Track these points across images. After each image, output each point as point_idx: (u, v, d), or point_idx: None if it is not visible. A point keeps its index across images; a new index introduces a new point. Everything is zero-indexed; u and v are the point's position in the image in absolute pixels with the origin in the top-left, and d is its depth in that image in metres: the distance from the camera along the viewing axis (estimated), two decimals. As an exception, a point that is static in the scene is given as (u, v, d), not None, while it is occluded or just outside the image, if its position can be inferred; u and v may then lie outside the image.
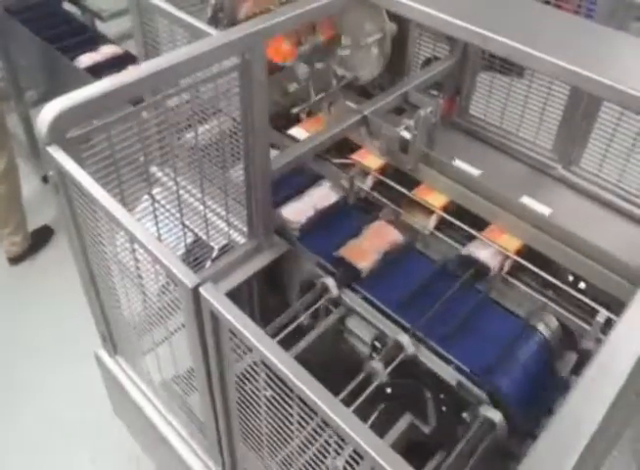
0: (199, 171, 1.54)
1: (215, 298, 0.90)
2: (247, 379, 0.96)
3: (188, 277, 0.95)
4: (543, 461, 0.70)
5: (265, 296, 1.71)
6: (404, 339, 1.39)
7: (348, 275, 1.57)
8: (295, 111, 2.08)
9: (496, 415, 1.26)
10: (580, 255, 1.59)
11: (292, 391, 0.82)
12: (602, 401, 0.74)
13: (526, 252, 1.64)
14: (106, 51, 2.81)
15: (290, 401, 0.85)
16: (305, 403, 0.81)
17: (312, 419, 0.84)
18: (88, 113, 1.20)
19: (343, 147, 1.95)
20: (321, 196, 1.82)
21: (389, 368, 1.36)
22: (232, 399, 1.05)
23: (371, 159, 1.91)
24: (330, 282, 1.53)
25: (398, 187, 1.81)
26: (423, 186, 1.83)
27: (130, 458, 2.21)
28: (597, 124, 1.85)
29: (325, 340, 1.50)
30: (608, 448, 1.10)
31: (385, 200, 1.81)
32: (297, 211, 1.73)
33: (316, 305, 1.53)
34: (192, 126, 1.47)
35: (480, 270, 1.61)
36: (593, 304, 1.50)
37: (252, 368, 0.91)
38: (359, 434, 0.76)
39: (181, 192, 1.63)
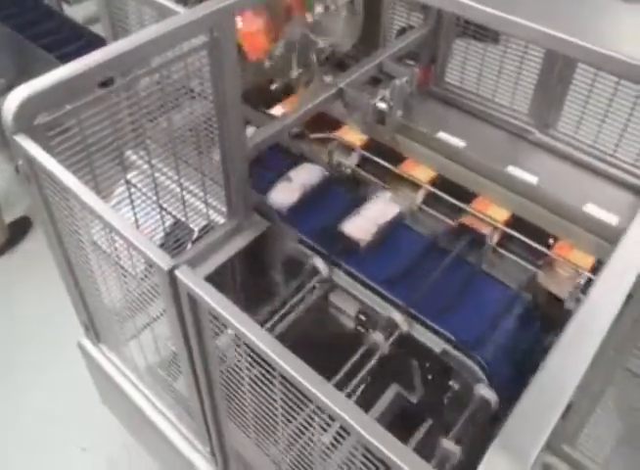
0: (173, 153, 1.52)
1: (191, 280, 0.89)
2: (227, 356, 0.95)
3: (163, 260, 0.94)
4: (527, 419, 0.71)
5: (249, 275, 1.70)
6: (397, 317, 1.39)
7: (345, 249, 1.56)
8: (273, 87, 2.06)
9: (485, 386, 1.27)
10: (564, 220, 1.62)
11: (274, 369, 0.82)
12: (582, 358, 0.75)
13: (514, 221, 1.66)
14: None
15: (272, 380, 0.85)
16: (290, 382, 0.81)
17: (296, 397, 0.84)
18: (56, 98, 1.17)
19: (323, 123, 1.93)
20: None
21: (390, 341, 1.36)
22: (215, 380, 1.05)
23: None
24: (319, 263, 1.52)
25: (384, 163, 1.80)
26: (408, 161, 1.83)
27: (122, 446, 2.22)
28: (572, 87, 1.84)
29: (309, 316, 1.50)
30: (591, 406, 1.12)
31: (370, 176, 1.80)
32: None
33: (306, 288, 1.52)
34: (164, 107, 1.45)
35: (474, 241, 1.62)
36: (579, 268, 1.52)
37: (235, 349, 0.90)
38: (344, 409, 0.76)
39: (158, 175, 1.61)
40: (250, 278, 1.74)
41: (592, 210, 1.61)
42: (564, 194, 1.64)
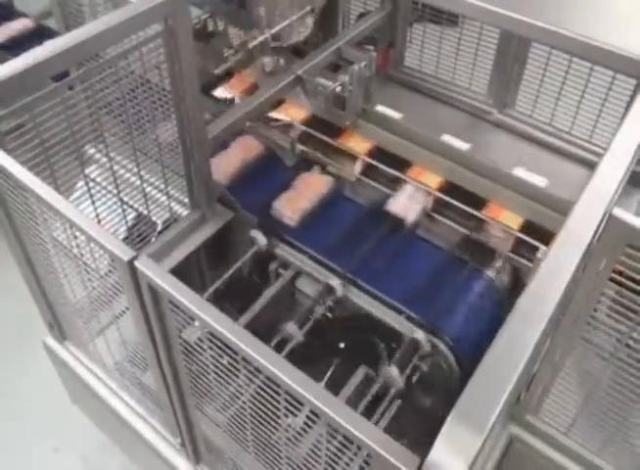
0: (132, 145, 1.50)
1: (151, 269, 0.88)
2: (193, 348, 0.95)
3: (122, 251, 0.93)
4: (483, 389, 0.72)
5: (216, 267, 1.70)
6: (335, 282, 1.43)
7: (278, 228, 1.60)
8: (217, 71, 2.03)
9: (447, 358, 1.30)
10: (517, 194, 1.65)
11: (237, 353, 0.83)
12: (534, 328, 0.77)
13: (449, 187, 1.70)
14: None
15: (237, 366, 0.85)
16: (255, 367, 0.81)
17: (263, 382, 0.85)
18: (7, 93, 1.14)
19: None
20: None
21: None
22: (181, 370, 1.04)
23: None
24: (258, 235, 1.54)
25: (324, 137, 1.82)
26: (346, 133, 1.85)
27: (96, 445, 2.20)
28: (528, 67, 1.87)
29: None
30: (553, 376, 1.15)
31: (310, 150, 1.82)
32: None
33: (244, 258, 1.54)
34: (121, 100, 1.43)
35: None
36: (535, 242, 1.55)
37: (199, 337, 0.90)
38: (311, 392, 0.76)
39: (117, 168, 1.59)
40: (217, 268, 1.73)
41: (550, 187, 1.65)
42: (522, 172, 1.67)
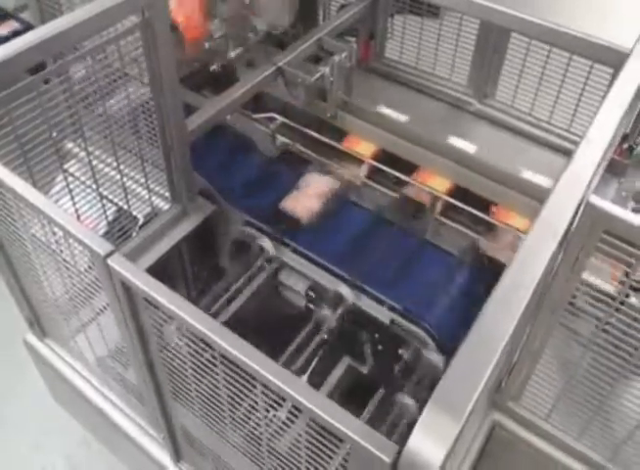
0: (111, 139, 1.49)
1: (124, 267, 0.87)
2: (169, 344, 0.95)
3: (99, 245, 0.92)
4: (461, 376, 0.72)
5: (198, 260, 1.69)
6: (344, 290, 1.41)
7: (288, 227, 1.57)
8: (212, 68, 2.03)
9: (433, 351, 1.30)
10: (504, 186, 1.66)
11: (212, 348, 0.82)
12: (512, 315, 0.77)
13: (456, 190, 1.69)
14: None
15: (214, 361, 0.85)
16: (230, 361, 0.81)
17: (238, 375, 0.84)
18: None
19: (265, 101, 1.92)
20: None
21: (337, 314, 1.38)
22: (159, 365, 1.04)
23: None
24: (265, 242, 1.52)
25: (327, 140, 1.80)
26: (351, 136, 1.84)
27: (80, 442, 2.18)
28: (507, 57, 1.88)
29: (261, 297, 1.51)
30: (533, 363, 1.16)
31: (312, 153, 1.80)
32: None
33: (253, 268, 1.52)
34: (99, 93, 1.41)
35: (418, 212, 1.65)
36: (519, 233, 1.56)
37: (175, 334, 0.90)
38: (293, 388, 0.76)
39: (96, 163, 1.57)
40: (200, 263, 1.72)
41: (529, 175, 1.66)
42: (502, 161, 1.68)
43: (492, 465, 1.30)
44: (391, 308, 1.37)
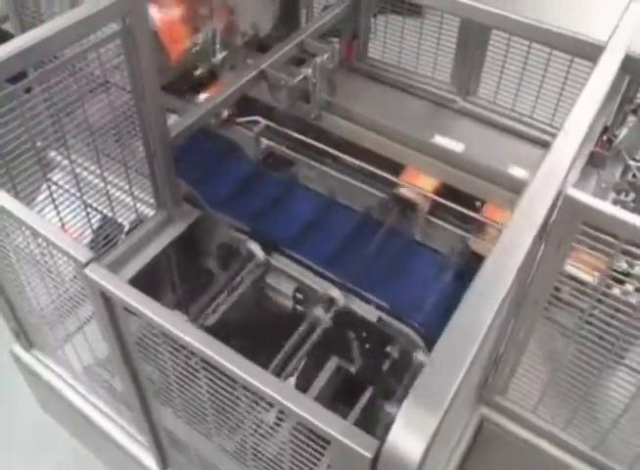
0: (94, 147, 1.49)
1: (101, 276, 0.87)
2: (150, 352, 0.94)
3: (80, 253, 0.92)
4: (440, 368, 0.73)
5: (186, 265, 1.69)
6: (335, 293, 1.41)
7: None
8: (197, 73, 2.03)
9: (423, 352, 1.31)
10: (490, 183, 1.67)
11: (194, 355, 0.82)
12: (490, 305, 0.78)
13: (444, 189, 1.69)
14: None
15: (195, 366, 0.85)
16: (210, 365, 0.81)
17: (220, 379, 0.84)
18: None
19: (249, 107, 1.92)
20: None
21: (329, 316, 1.38)
22: (141, 374, 1.03)
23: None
24: (254, 247, 1.52)
25: (316, 143, 1.80)
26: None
27: (70, 451, 2.15)
28: (489, 53, 1.89)
29: (249, 300, 1.51)
30: (518, 356, 1.17)
31: (301, 156, 1.81)
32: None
33: (242, 273, 1.51)
34: (81, 101, 1.41)
35: (406, 211, 1.65)
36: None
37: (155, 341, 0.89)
38: (271, 388, 0.75)
39: (83, 172, 1.57)
40: (188, 268, 1.72)
41: (515, 171, 1.67)
42: (488, 158, 1.69)
43: (482, 459, 1.30)
44: (379, 307, 1.37)
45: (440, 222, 1.65)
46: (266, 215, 1.60)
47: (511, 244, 0.87)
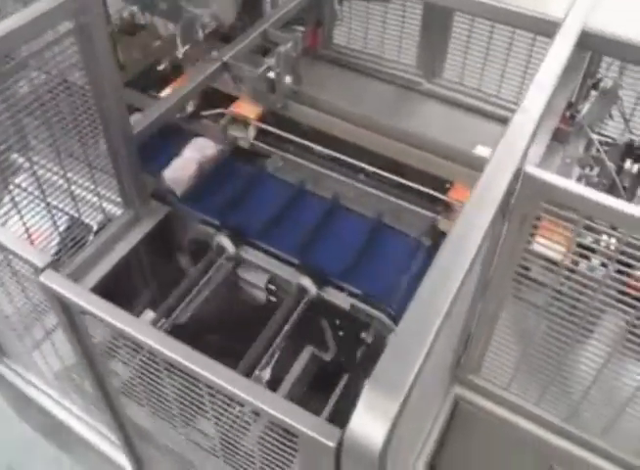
0: (56, 147, 1.46)
1: (55, 282, 0.85)
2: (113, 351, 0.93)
3: (38, 258, 0.90)
4: (401, 350, 0.72)
5: (157, 263, 1.67)
6: (304, 280, 1.40)
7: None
8: (160, 68, 2.01)
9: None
10: (459, 164, 1.66)
11: (155, 355, 0.81)
12: (450, 283, 0.77)
13: (412, 172, 1.69)
14: None
15: (158, 367, 0.84)
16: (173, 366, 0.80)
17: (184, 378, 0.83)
18: None
19: (215, 100, 1.90)
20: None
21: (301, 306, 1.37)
22: (106, 378, 1.02)
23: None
24: (224, 240, 1.51)
25: (284, 134, 1.78)
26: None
27: (52, 460, 2.13)
28: (453, 35, 1.88)
29: (221, 295, 1.50)
30: (489, 334, 1.17)
31: (271, 148, 1.79)
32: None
33: (213, 267, 1.50)
34: (39, 101, 1.38)
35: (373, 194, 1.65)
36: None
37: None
38: (233, 384, 0.75)
39: (47, 173, 1.54)
40: (160, 267, 1.71)
41: (483, 151, 1.67)
42: (456, 139, 1.68)
43: (459, 438, 1.31)
44: (352, 294, 1.37)
45: (409, 205, 1.65)
46: (235, 208, 1.59)
47: (471, 221, 0.86)
